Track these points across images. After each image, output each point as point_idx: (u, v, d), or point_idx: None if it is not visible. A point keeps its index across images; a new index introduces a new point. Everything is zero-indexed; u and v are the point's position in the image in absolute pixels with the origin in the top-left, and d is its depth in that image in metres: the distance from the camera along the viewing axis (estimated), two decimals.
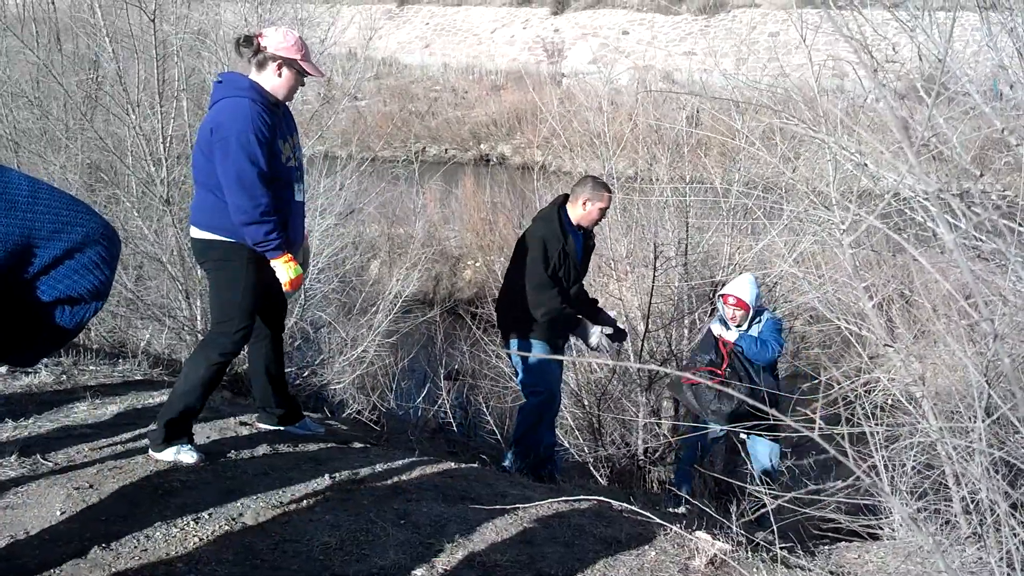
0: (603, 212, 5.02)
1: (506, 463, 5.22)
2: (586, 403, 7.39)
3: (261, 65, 3.72)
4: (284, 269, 3.70)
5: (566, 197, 5.07)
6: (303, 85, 3.89)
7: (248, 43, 3.73)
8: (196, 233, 3.79)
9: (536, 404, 5.15)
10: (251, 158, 3.54)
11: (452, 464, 4.30)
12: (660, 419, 7.29)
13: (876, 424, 2.96)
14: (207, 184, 3.69)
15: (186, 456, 3.65)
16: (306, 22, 8.05)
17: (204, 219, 3.74)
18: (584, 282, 5.29)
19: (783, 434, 5.71)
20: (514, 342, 5.09)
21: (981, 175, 2.72)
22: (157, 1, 6.12)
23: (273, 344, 4.16)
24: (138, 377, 5.12)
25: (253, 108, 3.59)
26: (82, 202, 1.95)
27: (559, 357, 2.45)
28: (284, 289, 3.76)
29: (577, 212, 4.96)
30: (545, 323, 4.97)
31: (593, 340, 5.06)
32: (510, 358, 5.62)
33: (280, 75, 3.73)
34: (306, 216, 4.26)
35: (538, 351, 5.04)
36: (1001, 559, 2.55)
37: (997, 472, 2.72)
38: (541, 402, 5.14)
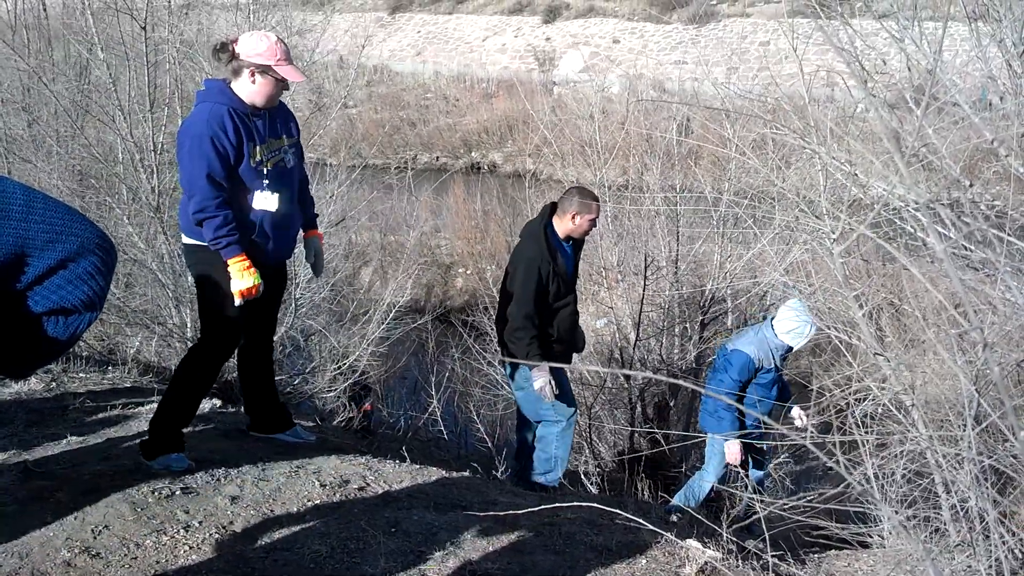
0: (593, 222, 4.85)
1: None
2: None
3: (236, 72, 3.64)
4: (236, 271, 3.59)
5: (553, 208, 4.89)
6: (287, 89, 3.77)
7: (224, 49, 3.65)
8: (183, 238, 3.79)
9: (555, 431, 4.90)
10: (202, 158, 3.48)
11: (443, 472, 4.29)
12: (651, 427, 7.29)
13: (866, 432, 2.97)
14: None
15: (176, 464, 3.63)
16: (299, 30, 8.05)
17: (185, 223, 3.72)
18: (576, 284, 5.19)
19: (776, 442, 5.73)
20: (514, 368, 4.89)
21: (971, 185, 2.75)
22: (150, 9, 6.11)
23: (258, 355, 4.13)
24: (128, 385, 5.11)
25: (215, 111, 3.55)
26: (78, 212, 1.92)
27: (553, 364, 2.45)
28: (235, 297, 3.61)
29: (567, 226, 4.79)
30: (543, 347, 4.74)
31: (537, 384, 4.73)
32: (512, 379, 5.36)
33: (254, 82, 3.63)
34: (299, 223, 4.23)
35: (538, 376, 4.74)
36: (990, 566, 2.57)
37: (986, 480, 2.74)
38: (560, 430, 4.89)
